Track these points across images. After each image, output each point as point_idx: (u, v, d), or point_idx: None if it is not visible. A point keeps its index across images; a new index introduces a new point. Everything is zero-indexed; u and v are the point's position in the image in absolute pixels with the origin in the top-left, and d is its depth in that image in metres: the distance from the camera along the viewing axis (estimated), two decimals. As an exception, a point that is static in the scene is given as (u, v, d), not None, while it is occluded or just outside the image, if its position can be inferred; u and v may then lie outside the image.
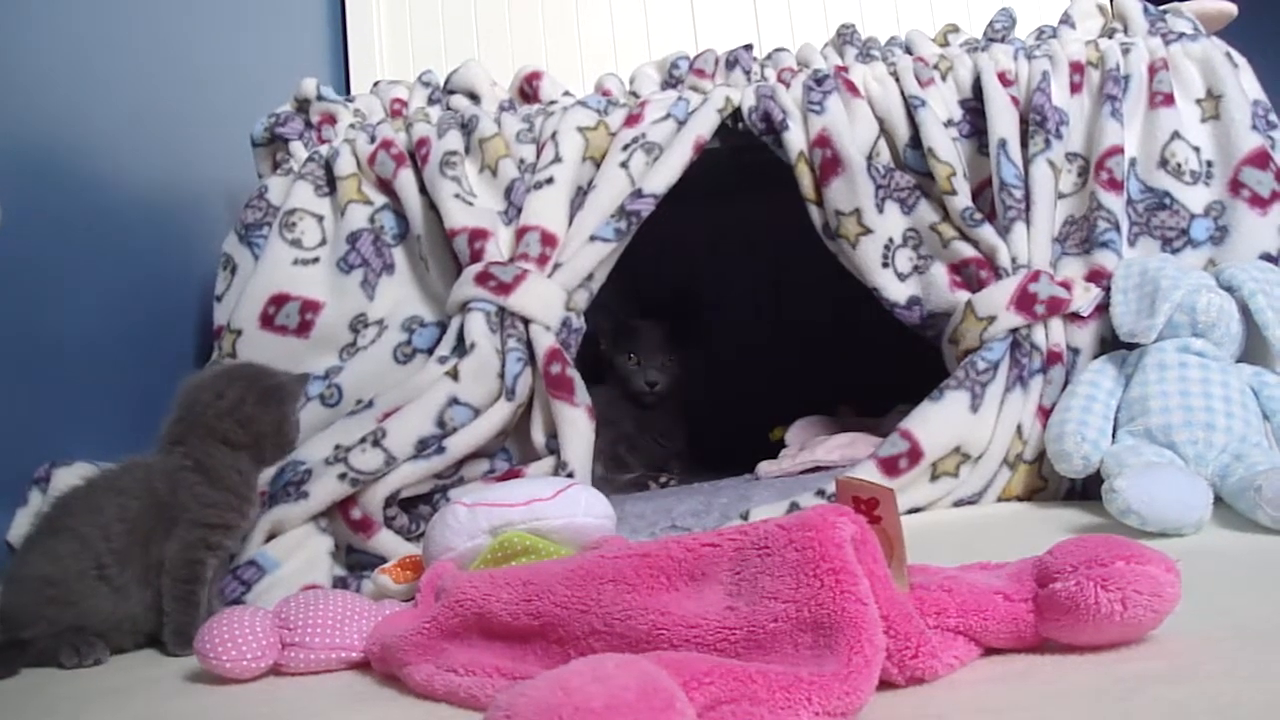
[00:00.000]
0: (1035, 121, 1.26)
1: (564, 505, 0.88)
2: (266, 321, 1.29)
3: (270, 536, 1.07)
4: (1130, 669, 0.52)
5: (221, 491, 0.91)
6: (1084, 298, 1.18)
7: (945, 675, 0.55)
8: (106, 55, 1.31)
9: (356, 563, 1.10)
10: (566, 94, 1.47)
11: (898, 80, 1.34)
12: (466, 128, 1.37)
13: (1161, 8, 1.39)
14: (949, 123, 1.31)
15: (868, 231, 1.27)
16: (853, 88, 1.33)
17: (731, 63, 1.43)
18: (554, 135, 1.33)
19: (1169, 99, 1.28)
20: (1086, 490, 1.11)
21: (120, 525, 0.86)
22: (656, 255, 1.71)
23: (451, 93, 1.49)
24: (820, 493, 1.11)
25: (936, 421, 1.13)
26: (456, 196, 1.28)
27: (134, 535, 0.86)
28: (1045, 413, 1.15)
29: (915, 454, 1.11)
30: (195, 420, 0.92)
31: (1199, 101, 1.29)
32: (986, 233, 1.22)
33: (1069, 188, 1.28)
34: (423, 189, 1.33)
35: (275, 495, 1.10)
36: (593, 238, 1.27)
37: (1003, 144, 1.25)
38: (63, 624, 0.83)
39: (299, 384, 1.00)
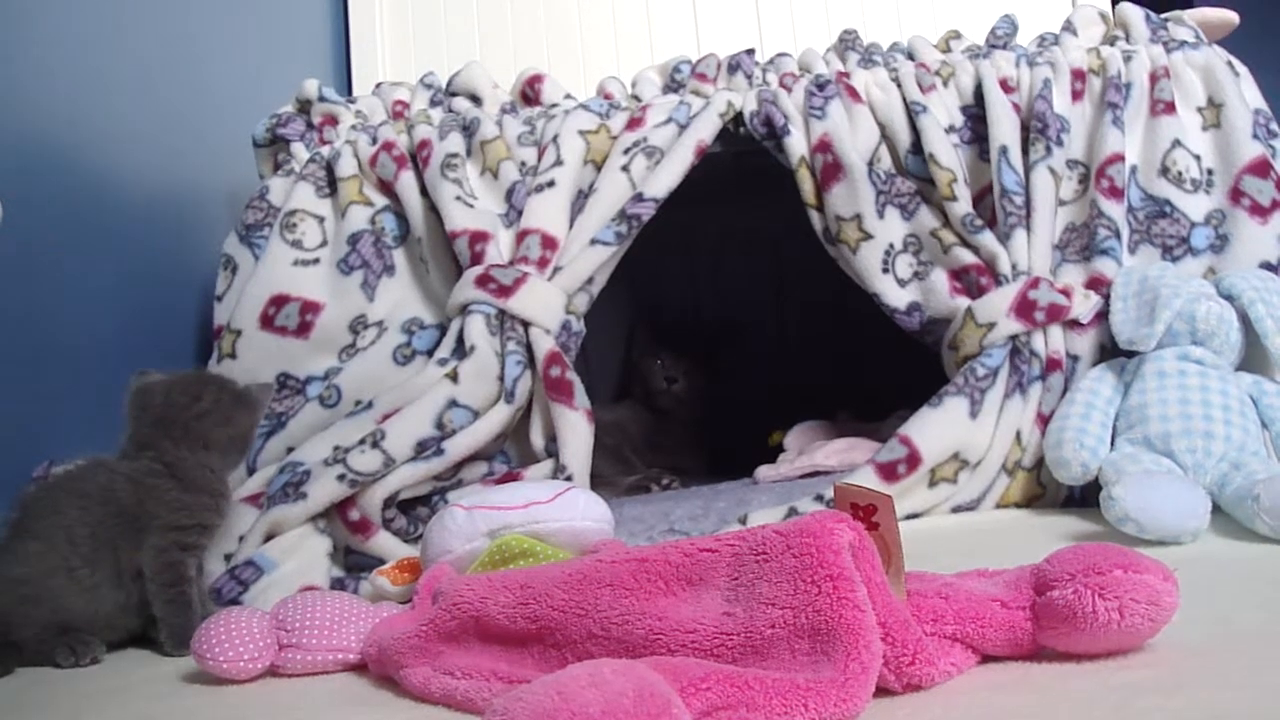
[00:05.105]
0: (1036, 128, 1.26)
1: (562, 508, 0.88)
2: (266, 322, 1.29)
3: (268, 537, 1.06)
4: (1127, 677, 0.53)
5: (193, 493, 0.90)
6: (1084, 305, 1.18)
7: (942, 682, 0.55)
8: (108, 55, 1.31)
9: (354, 564, 1.09)
10: (568, 97, 1.47)
11: (899, 86, 1.34)
12: (468, 130, 1.37)
13: (1163, 16, 1.40)
14: (950, 129, 1.31)
15: (868, 237, 1.27)
16: (854, 93, 1.34)
17: (733, 67, 1.43)
18: (555, 138, 1.33)
19: (1170, 107, 1.28)
20: (1085, 498, 1.11)
21: (83, 529, 0.86)
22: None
23: (453, 95, 1.49)
24: (819, 498, 1.11)
25: (935, 427, 1.12)
26: (458, 199, 1.28)
27: (98, 540, 0.86)
28: (1044, 420, 1.15)
29: (914, 460, 1.11)
30: (171, 421, 0.92)
31: (1200, 110, 1.29)
32: (987, 239, 1.22)
33: (1070, 195, 1.28)
34: (424, 191, 1.33)
35: (274, 496, 1.10)
36: (593, 241, 1.27)
37: (1004, 151, 1.25)
38: (40, 623, 0.84)
39: (266, 393, 1.03)
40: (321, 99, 1.45)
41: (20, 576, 0.84)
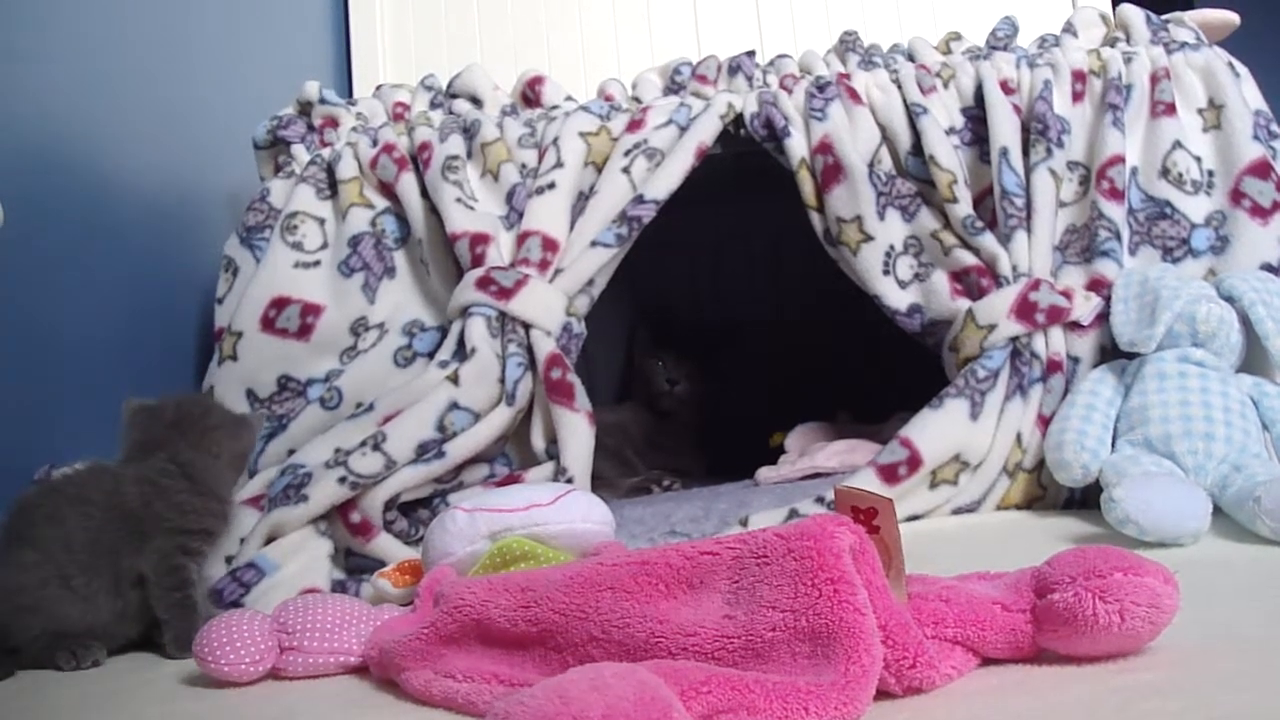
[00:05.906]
0: (1037, 130, 1.26)
1: (563, 511, 0.88)
2: (267, 324, 1.29)
3: (269, 539, 1.06)
4: (1127, 680, 0.53)
5: (203, 497, 0.91)
6: (1084, 306, 1.18)
7: (943, 685, 0.55)
8: (109, 56, 1.31)
9: (356, 566, 1.09)
10: (569, 99, 1.47)
11: (900, 87, 1.34)
12: (469, 132, 1.38)
13: (1164, 17, 1.40)
14: (951, 130, 1.31)
15: (869, 239, 1.27)
16: (855, 95, 1.34)
17: (734, 69, 1.44)
18: (556, 140, 1.33)
19: (1171, 108, 1.28)
20: (1085, 499, 1.11)
21: (83, 535, 0.85)
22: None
23: (454, 97, 1.49)
24: (820, 500, 1.11)
25: (936, 429, 1.12)
26: (458, 201, 1.28)
27: (99, 547, 0.85)
28: (1045, 421, 1.15)
29: (914, 461, 1.11)
30: (187, 427, 0.93)
31: (1201, 111, 1.29)
32: (988, 241, 1.22)
33: (1070, 196, 1.28)
34: (424, 193, 1.33)
35: (275, 498, 1.10)
36: (594, 243, 1.27)
37: (1004, 152, 1.25)
38: (37, 630, 0.83)
39: (259, 421, 1.09)
40: (322, 101, 1.45)
41: (16, 585, 0.83)
